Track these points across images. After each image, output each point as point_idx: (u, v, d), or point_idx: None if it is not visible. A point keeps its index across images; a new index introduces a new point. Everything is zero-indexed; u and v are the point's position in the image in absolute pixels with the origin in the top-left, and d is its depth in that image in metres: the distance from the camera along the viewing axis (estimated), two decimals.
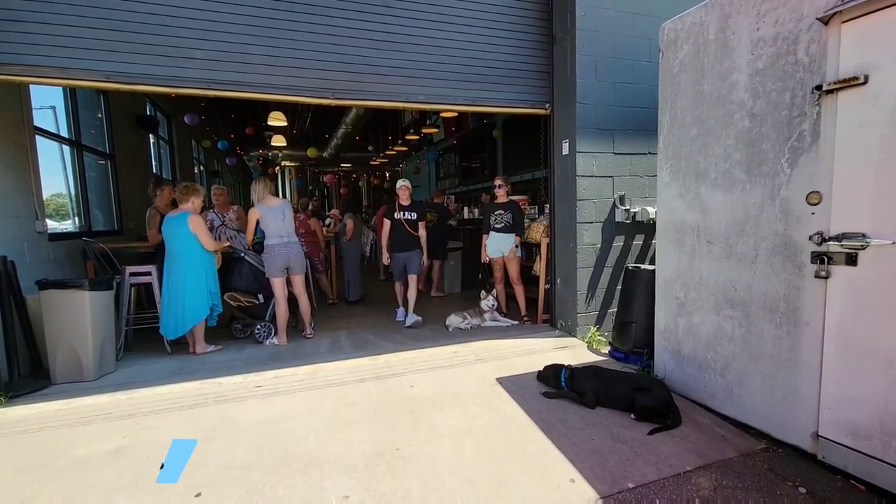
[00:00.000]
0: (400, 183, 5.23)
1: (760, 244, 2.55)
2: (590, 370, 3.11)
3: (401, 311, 5.31)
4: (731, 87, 2.68)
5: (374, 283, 7.60)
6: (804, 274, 2.34)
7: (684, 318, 3.07)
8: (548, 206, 5.25)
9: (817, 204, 2.26)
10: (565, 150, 4.15)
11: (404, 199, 5.18)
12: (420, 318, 4.99)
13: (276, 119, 10.13)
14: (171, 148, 9.05)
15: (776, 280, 2.48)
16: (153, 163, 8.01)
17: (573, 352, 3.90)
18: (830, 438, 2.27)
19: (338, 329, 4.94)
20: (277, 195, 4.49)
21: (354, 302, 6.33)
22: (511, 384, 3.27)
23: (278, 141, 12.69)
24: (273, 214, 4.27)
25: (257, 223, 4.31)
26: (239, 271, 4.37)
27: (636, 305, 3.71)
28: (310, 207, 6.03)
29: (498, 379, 3.35)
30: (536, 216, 5.60)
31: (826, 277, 2.23)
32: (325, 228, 7.18)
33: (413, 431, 2.64)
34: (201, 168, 11.87)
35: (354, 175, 20.94)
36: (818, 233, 2.25)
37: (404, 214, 5.09)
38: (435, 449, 2.46)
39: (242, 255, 4.38)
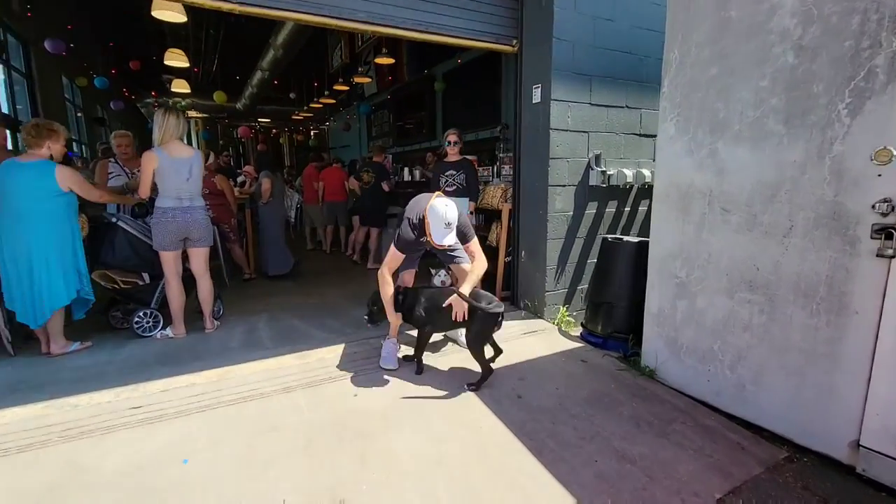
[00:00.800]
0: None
1: (798, 214, 2.07)
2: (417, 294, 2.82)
3: (389, 344, 2.93)
4: (770, 10, 2.11)
5: (300, 255, 6.59)
6: (858, 251, 1.88)
7: (685, 300, 2.59)
8: (507, 167, 4.61)
9: (887, 163, 1.77)
10: (536, 98, 3.47)
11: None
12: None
13: (175, 58, 8.32)
14: (31, 83, 7.13)
15: (816, 258, 2.02)
16: (2, 101, 6.23)
17: (544, 337, 3.36)
18: (875, 449, 1.88)
19: (255, 313, 4.01)
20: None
21: (277, 277, 5.35)
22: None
23: (180, 86, 10.72)
24: (176, 169, 3.18)
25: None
26: (111, 242, 3.26)
27: (616, 283, 3.21)
28: (210, 160, 4.84)
29: (462, 380, 2.70)
30: (491, 179, 4.93)
31: (892, 256, 1.78)
32: (237, 188, 6.01)
33: (362, 467, 1.92)
34: (78, 113, 9.75)
35: (275, 130, 18.94)
36: (885, 200, 1.77)
37: (451, 178, 3.85)
38: (396, 495, 1.77)
39: (115, 220, 3.27)
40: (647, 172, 3.72)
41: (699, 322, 2.53)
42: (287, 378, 2.64)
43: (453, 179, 4.23)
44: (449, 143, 4.21)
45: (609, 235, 3.34)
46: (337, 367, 2.81)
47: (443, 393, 2.54)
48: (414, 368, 2.80)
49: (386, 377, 2.70)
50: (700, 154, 2.45)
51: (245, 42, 9.77)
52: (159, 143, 3.19)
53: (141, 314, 3.40)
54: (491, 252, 4.39)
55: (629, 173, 3.63)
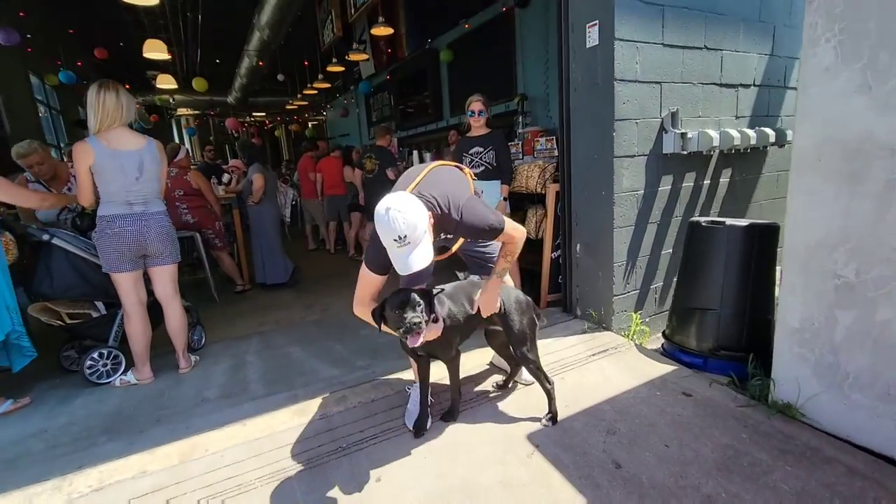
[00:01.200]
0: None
1: None
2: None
3: (417, 394, 2.05)
4: None
5: (301, 257, 5.82)
6: None
7: (853, 310, 1.76)
8: (542, 139, 3.77)
9: None
10: (592, 40, 2.60)
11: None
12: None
13: (154, 50, 7.44)
14: None
15: None
16: None
17: (620, 358, 2.54)
18: None
19: (246, 338, 3.25)
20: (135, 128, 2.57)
21: (276, 286, 4.58)
22: (555, 445, 1.85)
23: (166, 82, 9.90)
24: (120, 165, 2.38)
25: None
26: (46, 266, 2.49)
27: (716, 283, 2.38)
28: (180, 155, 3.99)
29: (529, 436, 1.91)
30: (520, 156, 4.08)
31: None
32: (222, 186, 5.23)
33: None
34: (53, 112, 8.91)
35: (269, 123, 18.12)
36: None
37: (477, 157, 3.29)
38: None
39: (47, 238, 2.49)
40: (734, 133, 2.87)
41: (880, 341, 1.70)
42: (280, 452, 1.85)
43: (481, 158, 3.39)
44: (472, 112, 3.36)
45: (701, 218, 2.50)
46: (349, 427, 2.01)
47: (504, 466, 1.74)
48: (452, 424, 2.01)
49: (418, 442, 1.91)
50: (884, 88, 1.59)
51: (228, 27, 8.90)
52: (96, 130, 2.39)
53: (95, 355, 2.63)
54: (530, 245, 3.57)
55: (714, 135, 2.77)
